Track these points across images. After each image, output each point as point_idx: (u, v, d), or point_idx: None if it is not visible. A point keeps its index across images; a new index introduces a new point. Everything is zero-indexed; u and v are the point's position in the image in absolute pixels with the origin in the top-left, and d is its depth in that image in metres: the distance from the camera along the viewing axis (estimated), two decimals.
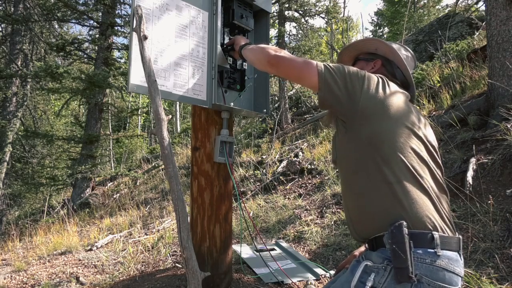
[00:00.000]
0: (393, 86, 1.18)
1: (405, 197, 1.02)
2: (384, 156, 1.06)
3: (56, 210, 8.05)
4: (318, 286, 2.31)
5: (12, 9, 9.73)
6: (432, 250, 0.97)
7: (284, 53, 1.30)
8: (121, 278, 2.68)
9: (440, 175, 1.13)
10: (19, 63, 9.51)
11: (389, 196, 1.04)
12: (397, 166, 1.05)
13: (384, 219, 1.03)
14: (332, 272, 2.48)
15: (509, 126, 3.07)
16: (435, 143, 1.18)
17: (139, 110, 11.25)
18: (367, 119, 1.09)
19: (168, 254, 3.21)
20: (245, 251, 2.95)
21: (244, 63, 2.20)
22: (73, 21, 8.72)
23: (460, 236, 1.05)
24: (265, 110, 2.23)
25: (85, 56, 9.06)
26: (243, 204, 2.58)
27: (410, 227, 0.99)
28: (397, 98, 1.14)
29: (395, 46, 1.37)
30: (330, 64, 1.19)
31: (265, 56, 1.33)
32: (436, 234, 0.98)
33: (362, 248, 1.39)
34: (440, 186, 1.11)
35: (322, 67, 1.17)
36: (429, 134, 1.17)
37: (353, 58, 1.49)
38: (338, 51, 10.76)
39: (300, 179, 4.71)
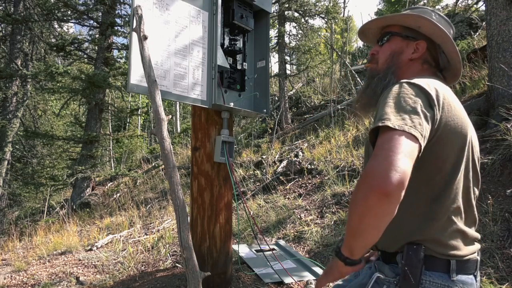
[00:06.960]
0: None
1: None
2: None
3: (56, 210, 8.04)
4: None
5: (12, 9, 9.73)
6: (446, 275, 0.90)
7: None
8: (121, 278, 2.68)
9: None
10: (19, 63, 9.50)
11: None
12: None
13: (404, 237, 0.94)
14: None
15: (509, 126, 3.07)
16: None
17: (139, 110, 11.26)
18: None
19: (168, 254, 3.21)
20: (245, 251, 2.95)
21: (244, 63, 2.21)
22: (73, 21, 8.72)
23: (479, 257, 0.97)
24: (265, 110, 2.23)
25: (85, 56, 9.06)
26: (245, 204, 2.60)
27: (426, 250, 0.91)
28: None
29: (442, 24, 1.05)
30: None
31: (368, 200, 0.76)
32: (453, 260, 0.90)
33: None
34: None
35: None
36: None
37: (382, 29, 1.15)
38: (338, 51, 10.75)
39: (300, 179, 4.71)
